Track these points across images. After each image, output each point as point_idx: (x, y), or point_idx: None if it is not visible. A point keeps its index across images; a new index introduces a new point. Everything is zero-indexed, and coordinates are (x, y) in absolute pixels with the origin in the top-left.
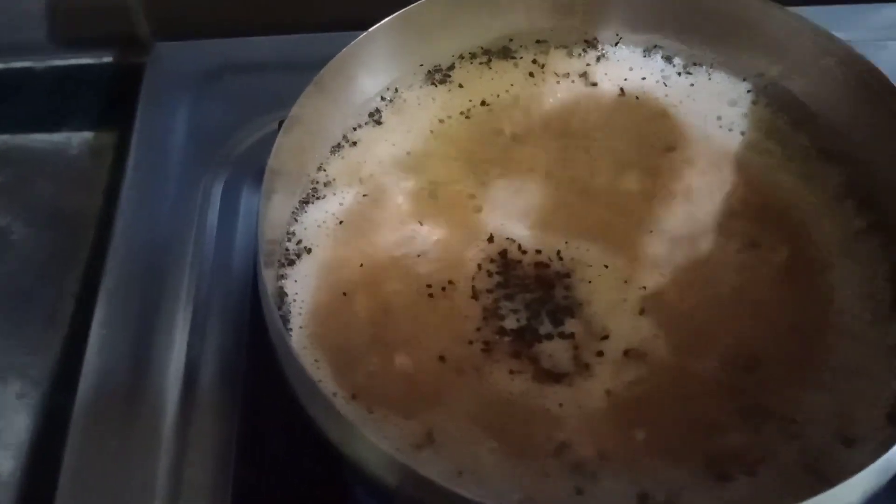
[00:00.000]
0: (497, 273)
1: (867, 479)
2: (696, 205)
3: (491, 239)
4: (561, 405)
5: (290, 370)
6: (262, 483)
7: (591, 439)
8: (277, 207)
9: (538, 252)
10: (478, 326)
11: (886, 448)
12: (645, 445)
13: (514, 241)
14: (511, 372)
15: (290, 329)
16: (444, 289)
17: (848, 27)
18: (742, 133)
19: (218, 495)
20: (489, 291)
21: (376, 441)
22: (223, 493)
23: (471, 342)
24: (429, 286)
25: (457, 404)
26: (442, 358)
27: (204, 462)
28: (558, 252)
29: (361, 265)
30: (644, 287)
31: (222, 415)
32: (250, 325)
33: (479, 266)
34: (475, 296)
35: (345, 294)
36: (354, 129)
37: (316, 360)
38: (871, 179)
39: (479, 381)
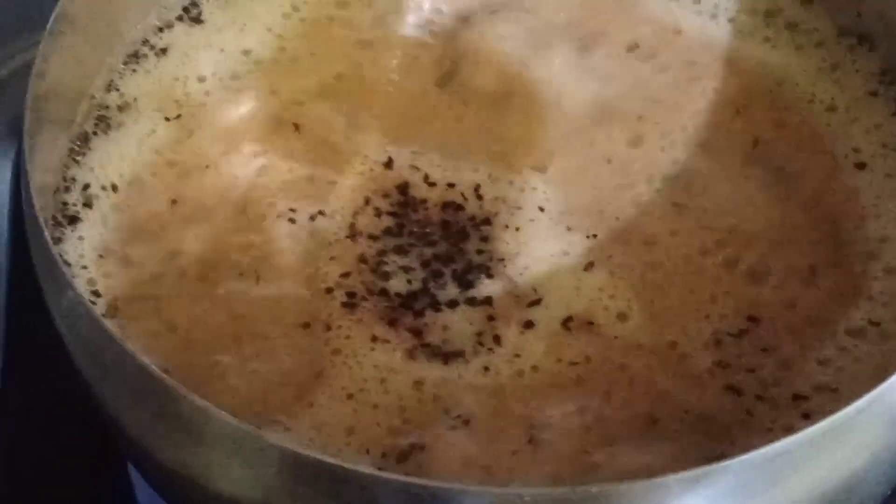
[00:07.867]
0: (390, 214)
1: None
2: (670, 121)
3: (389, 164)
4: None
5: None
6: None
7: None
8: (48, 143)
9: (450, 186)
10: (346, 271)
11: None
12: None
13: (419, 169)
14: (374, 339)
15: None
16: (311, 218)
17: None
18: (730, 20)
19: None
20: (373, 238)
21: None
22: None
23: (329, 290)
24: (292, 210)
25: (284, 367)
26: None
27: None
28: (477, 188)
29: (182, 204)
30: (595, 234)
31: None
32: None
33: (367, 200)
34: (353, 236)
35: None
36: (161, 30)
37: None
38: None
39: (324, 344)
